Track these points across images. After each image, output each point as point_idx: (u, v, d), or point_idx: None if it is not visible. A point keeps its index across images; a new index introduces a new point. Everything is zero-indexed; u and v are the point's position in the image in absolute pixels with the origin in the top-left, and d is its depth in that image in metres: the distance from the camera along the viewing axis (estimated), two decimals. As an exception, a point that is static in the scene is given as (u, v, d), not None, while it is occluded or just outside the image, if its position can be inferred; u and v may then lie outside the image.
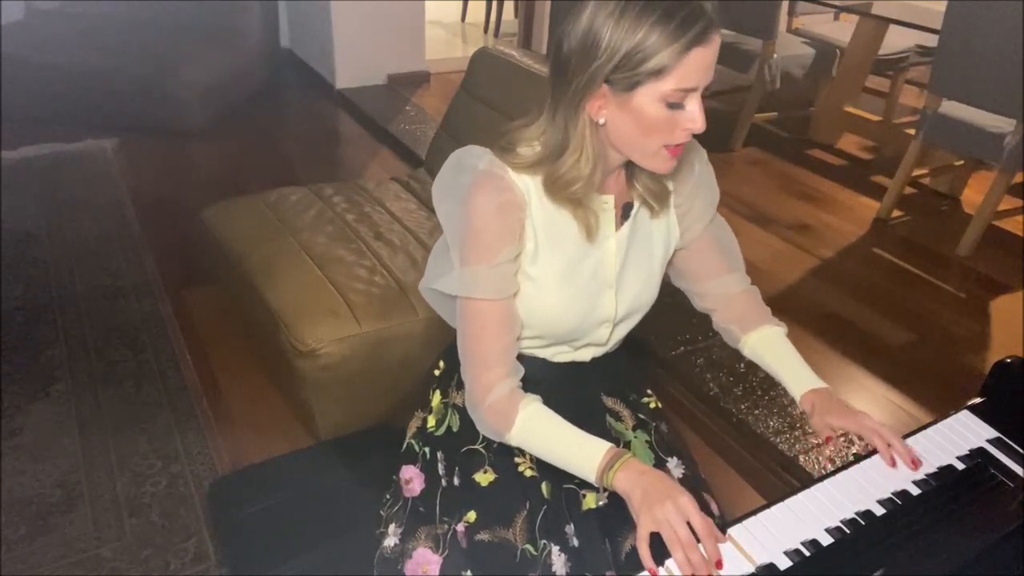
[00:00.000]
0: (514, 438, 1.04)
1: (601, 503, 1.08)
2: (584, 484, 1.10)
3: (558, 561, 1.02)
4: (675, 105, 0.93)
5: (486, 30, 5.72)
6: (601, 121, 0.98)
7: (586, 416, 1.08)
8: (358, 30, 4.10)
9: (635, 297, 1.14)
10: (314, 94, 4.30)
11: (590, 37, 0.92)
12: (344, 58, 4.16)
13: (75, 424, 1.91)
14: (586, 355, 1.19)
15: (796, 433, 1.90)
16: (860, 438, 1.06)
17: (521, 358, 1.09)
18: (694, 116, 0.94)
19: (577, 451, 1.00)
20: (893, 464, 1.00)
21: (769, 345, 1.18)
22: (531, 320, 1.09)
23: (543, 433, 1.03)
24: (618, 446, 1.02)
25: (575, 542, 1.05)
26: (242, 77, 4.02)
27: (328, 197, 2.16)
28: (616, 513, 1.08)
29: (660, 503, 0.89)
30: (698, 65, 0.90)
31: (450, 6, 5.96)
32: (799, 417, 1.95)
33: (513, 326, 1.06)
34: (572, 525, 1.07)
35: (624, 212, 1.11)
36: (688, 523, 0.88)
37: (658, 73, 0.90)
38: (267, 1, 4.19)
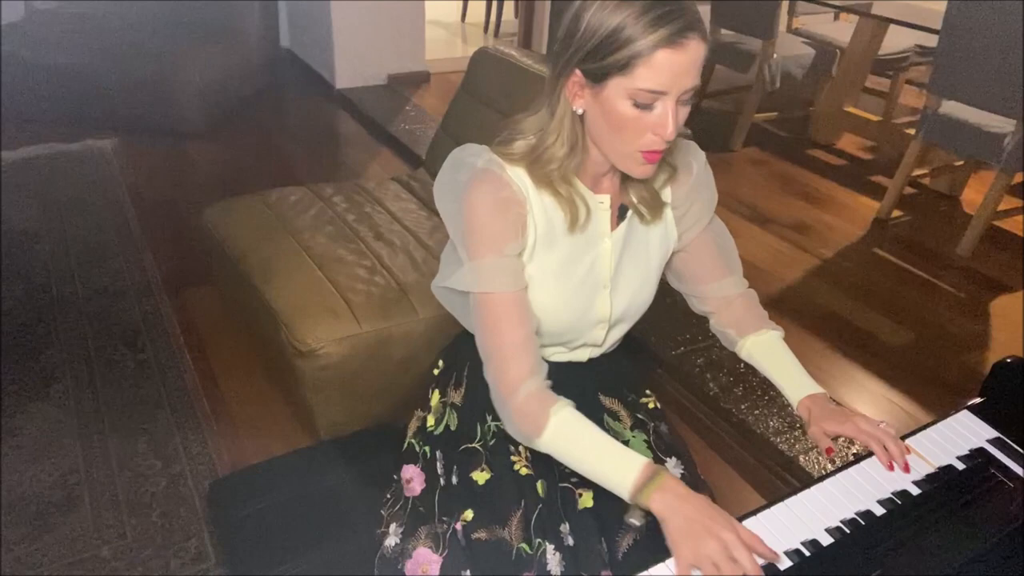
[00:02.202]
0: (544, 444, 1.01)
1: (633, 520, 1.06)
2: (580, 483, 1.10)
3: (553, 560, 1.02)
4: (643, 106, 0.92)
5: (486, 30, 5.72)
6: (579, 111, 0.98)
7: (584, 415, 1.07)
8: (358, 30, 4.10)
9: (631, 298, 1.14)
10: (314, 94, 4.30)
11: (573, 22, 0.93)
12: (344, 58, 4.16)
13: (75, 424, 1.91)
14: (583, 355, 1.19)
15: (796, 433, 1.90)
16: (854, 441, 1.06)
17: None
18: (664, 121, 0.92)
19: (610, 465, 0.97)
20: (891, 468, 1.00)
21: (767, 349, 1.18)
22: None
23: (575, 442, 1.00)
24: (663, 467, 0.98)
25: (570, 541, 1.05)
26: (242, 77, 4.02)
27: (328, 197, 2.16)
28: (611, 512, 1.07)
29: (703, 540, 0.85)
30: (666, 67, 0.89)
31: (450, 6, 5.97)
32: (799, 417, 1.95)
33: (529, 318, 1.05)
34: (567, 524, 1.07)
35: (620, 213, 1.11)
36: None
37: (624, 67, 0.89)
38: (267, 1, 4.19)
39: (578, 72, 0.94)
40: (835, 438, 1.06)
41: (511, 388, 1.02)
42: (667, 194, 1.13)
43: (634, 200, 1.10)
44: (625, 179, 1.08)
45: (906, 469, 0.99)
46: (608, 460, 0.98)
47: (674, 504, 0.90)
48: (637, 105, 0.92)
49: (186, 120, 3.62)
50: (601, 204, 1.08)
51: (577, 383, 1.19)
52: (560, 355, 1.17)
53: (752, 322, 1.20)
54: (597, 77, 0.92)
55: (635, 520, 1.01)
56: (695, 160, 1.15)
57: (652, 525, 1.06)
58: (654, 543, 1.05)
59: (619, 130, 0.95)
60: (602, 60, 0.90)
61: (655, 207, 1.11)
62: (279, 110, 4.11)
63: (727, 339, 1.23)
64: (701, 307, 1.24)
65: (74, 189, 3.07)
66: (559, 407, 1.01)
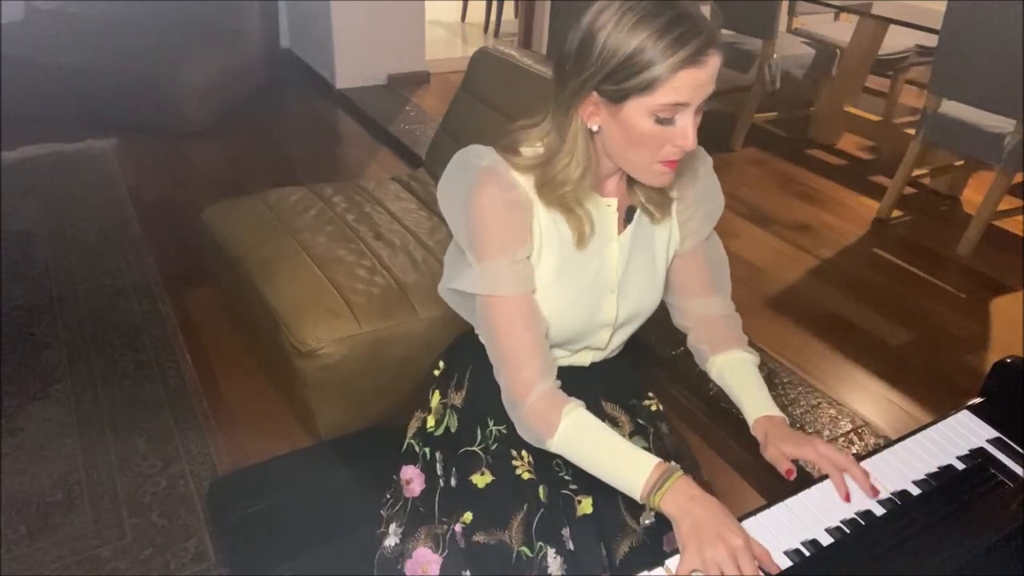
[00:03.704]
0: (555, 445, 1.01)
1: (648, 522, 1.06)
2: (580, 490, 1.09)
3: (554, 563, 1.02)
4: (665, 121, 0.92)
5: (486, 30, 5.72)
6: (595, 128, 0.97)
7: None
8: (358, 30, 4.10)
9: (638, 301, 1.14)
10: (314, 94, 4.30)
11: (585, 44, 0.91)
12: (344, 58, 4.16)
13: (75, 424, 1.91)
14: (585, 359, 1.19)
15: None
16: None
17: None
18: (685, 133, 0.92)
19: (622, 466, 0.96)
20: (847, 499, 0.95)
21: (735, 368, 1.15)
22: None
23: (586, 443, 1.00)
24: (676, 467, 0.96)
25: (571, 545, 1.05)
26: (242, 77, 4.02)
27: (328, 197, 2.16)
28: (611, 518, 1.07)
29: (712, 543, 0.85)
30: (688, 85, 0.89)
31: (450, 6, 5.97)
32: (799, 417, 1.95)
33: (539, 320, 1.05)
34: (568, 529, 1.06)
35: (627, 215, 1.10)
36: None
37: (646, 88, 0.89)
38: (267, 1, 4.19)
39: (595, 93, 0.94)
40: (794, 461, 1.02)
41: (524, 391, 1.02)
42: (672, 191, 1.13)
43: (642, 200, 1.09)
44: (633, 180, 1.08)
45: (874, 493, 0.95)
46: (620, 462, 0.97)
47: (685, 506, 0.90)
48: (659, 121, 0.92)
49: (186, 120, 3.62)
50: (608, 207, 1.07)
51: (579, 388, 1.18)
52: (563, 359, 1.17)
53: (727, 343, 1.17)
54: (616, 98, 0.92)
55: (651, 522, 1.01)
56: (702, 164, 1.14)
57: (651, 530, 1.06)
58: (652, 548, 1.05)
59: (639, 145, 0.94)
60: (622, 83, 0.90)
61: (663, 205, 1.11)
62: (279, 110, 4.11)
63: (700, 356, 1.21)
64: (682, 320, 1.22)
65: (74, 189, 3.07)
66: (570, 408, 1.01)
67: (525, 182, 1.03)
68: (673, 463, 0.96)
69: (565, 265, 1.06)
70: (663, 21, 0.87)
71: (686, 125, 0.92)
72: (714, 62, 0.90)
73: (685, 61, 0.87)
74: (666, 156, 0.95)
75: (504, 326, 1.03)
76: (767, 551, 0.87)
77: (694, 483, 0.93)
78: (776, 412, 1.09)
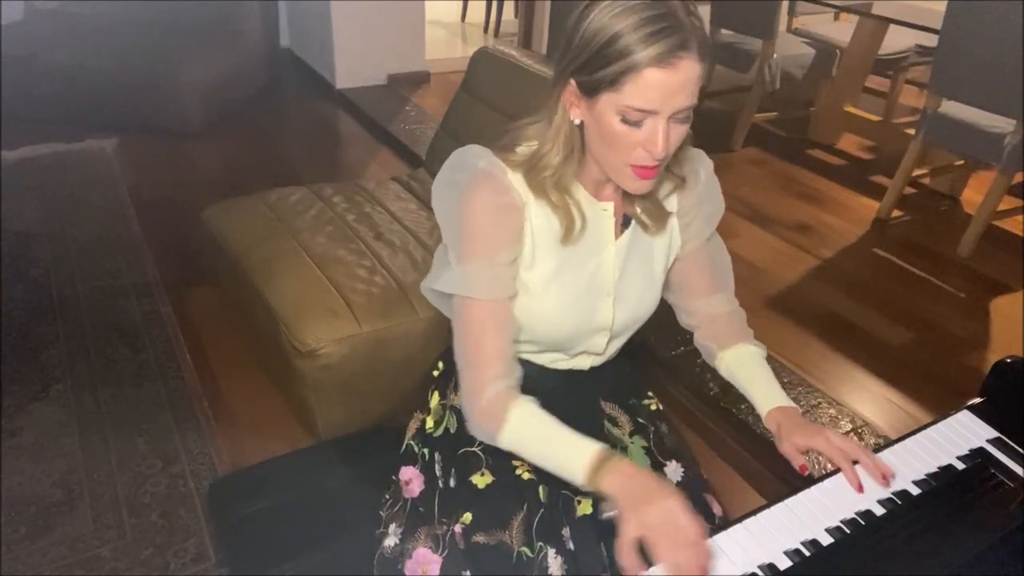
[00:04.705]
0: (504, 440, 1.01)
1: (610, 514, 1.06)
2: (579, 491, 1.09)
3: (554, 563, 1.02)
4: (632, 123, 0.90)
5: (486, 30, 5.72)
6: (576, 121, 0.98)
7: (584, 422, 1.06)
8: (358, 30, 4.11)
9: (634, 306, 1.14)
10: (314, 94, 4.30)
11: (572, 30, 0.92)
12: (344, 58, 4.16)
13: (75, 424, 1.91)
14: (584, 363, 1.19)
15: (796, 433, 1.90)
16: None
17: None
18: (653, 138, 0.90)
19: (566, 453, 0.97)
20: (860, 489, 0.95)
21: (743, 362, 1.16)
22: (526, 325, 1.08)
23: (533, 436, 1.00)
24: (615, 451, 0.98)
25: (571, 545, 1.05)
26: (242, 77, 4.02)
27: (328, 197, 2.16)
28: (610, 518, 1.07)
29: (644, 508, 0.86)
30: (655, 87, 0.87)
31: (450, 6, 5.97)
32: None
33: (509, 328, 1.05)
34: (568, 528, 1.06)
35: (625, 221, 1.10)
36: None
37: (614, 83, 0.88)
38: (267, 1, 4.19)
39: (573, 83, 0.94)
40: (806, 452, 1.03)
41: (479, 391, 1.02)
42: (672, 203, 1.13)
43: (637, 211, 1.09)
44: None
45: (885, 482, 0.95)
46: (563, 449, 0.97)
47: (622, 481, 0.90)
48: (626, 121, 0.90)
49: (186, 120, 3.62)
50: (605, 211, 1.07)
51: (579, 390, 1.18)
52: (561, 363, 1.17)
53: (733, 337, 1.18)
54: (589, 90, 0.92)
55: (612, 514, 1.01)
56: (702, 167, 1.14)
57: None
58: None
59: (610, 144, 0.94)
60: (593, 74, 0.89)
61: (659, 218, 1.10)
62: (279, 110, 4.11)
63: (708, 353, 1.21)
64: (688, 320, 1.23)
65: (74, 189, 3.07)
66: (519, 403, 1.01)
67: (519, 183, 1.03)
68: (669, 465, 0.95)
69: (562, 267, 1.06)
70: (644, 16, 0.86)
71: (654, 131, 0.90)
72: (688, 67, 0.87)
73: (654, 60, 0.85)
74: (637, 160, 0.94)
75: (474, 328, 1.03)
76: (703, 523, 0.86)
77: (632, 463, 0.94)
78: (787, 403, 1.09)
